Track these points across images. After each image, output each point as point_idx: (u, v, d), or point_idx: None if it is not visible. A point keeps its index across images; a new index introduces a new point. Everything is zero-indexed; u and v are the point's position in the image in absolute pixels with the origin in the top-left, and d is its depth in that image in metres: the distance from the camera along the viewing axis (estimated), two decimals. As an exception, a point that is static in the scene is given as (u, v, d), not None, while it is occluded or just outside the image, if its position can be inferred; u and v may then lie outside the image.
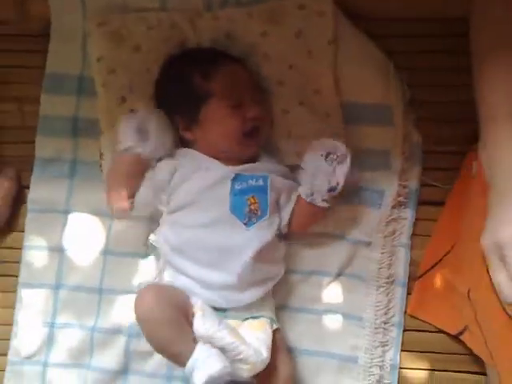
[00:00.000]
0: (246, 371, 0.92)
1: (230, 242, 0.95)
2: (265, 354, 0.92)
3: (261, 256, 0.95)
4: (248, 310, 0.97)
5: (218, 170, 0.97)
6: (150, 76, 1.03)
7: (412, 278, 1.04)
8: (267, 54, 1.03)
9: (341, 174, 0.94)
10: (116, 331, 1.07)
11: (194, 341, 0.89)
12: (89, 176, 1.09)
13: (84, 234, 1.10)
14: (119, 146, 0.98)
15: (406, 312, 1.04)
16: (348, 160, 0.93)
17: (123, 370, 1.07)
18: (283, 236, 1.02)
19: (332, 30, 1.01)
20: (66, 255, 1.10)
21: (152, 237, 1.02)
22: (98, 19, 1.04)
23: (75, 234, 1.10)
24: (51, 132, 1.10)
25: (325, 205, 0.96)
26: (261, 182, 0.97)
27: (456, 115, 1.03)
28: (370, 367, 1.02)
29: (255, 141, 0.99)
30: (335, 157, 0.94)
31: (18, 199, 1.12)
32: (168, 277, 0.99)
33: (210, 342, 0.89)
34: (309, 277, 1.05)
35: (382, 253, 1.03)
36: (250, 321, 0.97)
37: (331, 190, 0.95)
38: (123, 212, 1.00)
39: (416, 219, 1.04)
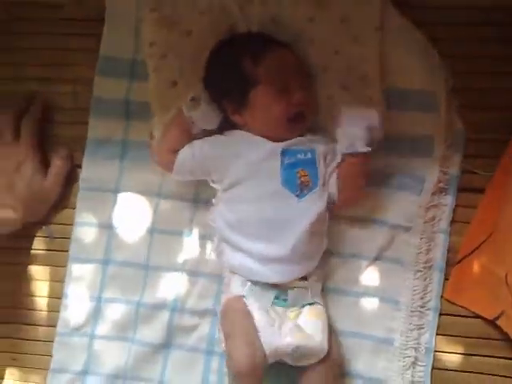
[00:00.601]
0: (309, 360, 0.97)
1: (283, 214, 0.98)
2: (325, 345, 0.96)
3: (313, 228, 0.98)
4: (307, 295, 1.00)
5: (267, 146, 1.00)
6: (200, 60, 1.05)
7: (450, 264, 1.05)
8: (313, 39, 1.05)
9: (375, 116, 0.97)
10: (160, 306, 1.11)
11: None
12: (139, 157, 1.13)
13: (132, 213, 1.13)
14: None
15: (442, 297, 1.05)
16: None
17: (165, 344, 1.10)
18: (329, 210, 1.03)
19: (379, 16, 1.02)
20: (115, 232, 1.13)
21: (209, 216, 1.05)
22: (151, 4, 1.07)
23: (124, 212, 1.14)
24: (103, 114, 1.14)
25: (367, 149, 0.97)
26: (309, 155, 1.00)
27: (499, 103, 1.04)
28: (406, 349, 1.04)
29: (300, 126, 1.01)
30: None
31: (71, 178, 1.16)
32: (226, 254, 1.02)
33: (278, 352, 0.94)
34: (347, 259, 1.07)
35: (421, 238, 1.04)
36: (308, 308, 1.00)
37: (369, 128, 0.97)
38: (164, 166, 1.06)
39: (456, 206, 1.05)
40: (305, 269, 1.00)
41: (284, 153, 0.99)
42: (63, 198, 1.16)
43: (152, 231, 1.13)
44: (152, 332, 1.11)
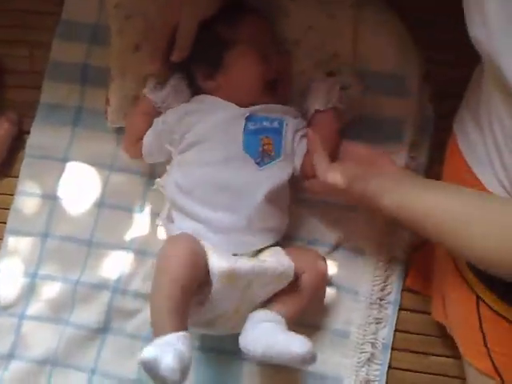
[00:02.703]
0: (279, 283, 0.87)
1: (241, 180, 0.89)
2: (286, 260, 0.87)
3: (272, 199, 0.90)
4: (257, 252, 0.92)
5: (233, 110, 0.93)
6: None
7: (413, 251, 0.98)
8: (288, 12, 1.00)
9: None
10: (101, 286, 1.00)
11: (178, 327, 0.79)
12: (93, 125, 1.04)
13: (80, 184, 1.04)
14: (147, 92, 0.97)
15: (403, 290, 0.98)
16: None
17: (103, 329, 0.99)
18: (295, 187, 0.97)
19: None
20: (59, 204, 1.03)
21: (158, 181, 0.96)
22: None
23: (71, 182, 1.04)
24: (59, 78, 1.05)
25: (341, 106, 0.92)
26: (276, 125, 0.93)
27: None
28: (362, 344, 0.95)
29: (274, 93, 0.95)
30: None
31: (17, 145, 1.06)
32: (177, 222, 0.93)
33: (231, 274, 0.83)
34: (306, 245, 0.99)
35: (384, 229, 0.97)
36: (261, 253, 0.92)
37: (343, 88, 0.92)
38: (134, 155, 0.99)
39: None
40: (261, 242, 0.91)
41: (249, 118, 0.92)
42: (6, 166, 1.06)
43: (100, 205, 1.03)
44: (89, 314, 1.00)
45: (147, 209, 1.02)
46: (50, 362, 0.99)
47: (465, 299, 0.82)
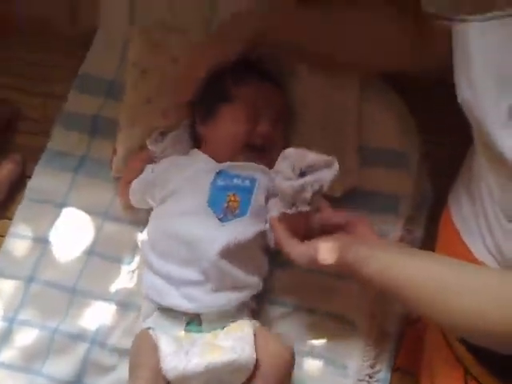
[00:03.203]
0: (237, 378, 0.81)
1: (200, 234, 0.87)
2: (247, 351, 0.81)
3: (233, 256, 0.86)
4: (224, 318, 0.87)
5: (208, 164, 0.93)
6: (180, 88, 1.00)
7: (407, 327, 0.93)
8: (300, 78, 1.02)
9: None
10: (79, 337, 0.95)
11: None
12: (95, 174, 1.05)
13: (73, 230, 1.02)
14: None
15: (393, 370, 0.92)
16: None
17: (75, 382, 0.93)
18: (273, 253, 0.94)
19: (365, 73, 1.02)
20: (49, 248, 1.01)
21: (140, 234, 0.95)
22: (142, 28, 1.06)
23: (64, 228, 1.03)
24: (70, 127, 1.08)
25: (309, 208, 0.84)
26: (247, 183, 0.91)
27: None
28: (349, 424, 0.89)
29: (255, 158, 0.94)
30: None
31: (18, 187, 1.06)
32: (144, 277, 0.91)
33: (183, 378, 0.80)
34: (293, 312, 0.95)
35: (376, 300, 0.93)
36: (228, 326, 0.86)
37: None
38: (124, 199, 0.99)
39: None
40: (226, 300, 0.87)
41: (220, 173, 0.91)
42: (4, 208, 1.06)
43: (89, 253, 1.01)
44: (63, 366, 0.94)
45: (136, 260, 1.00)
46: (16, 417, 0.92)
47: (453, 374, 0.78)
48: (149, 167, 0.97)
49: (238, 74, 0.96)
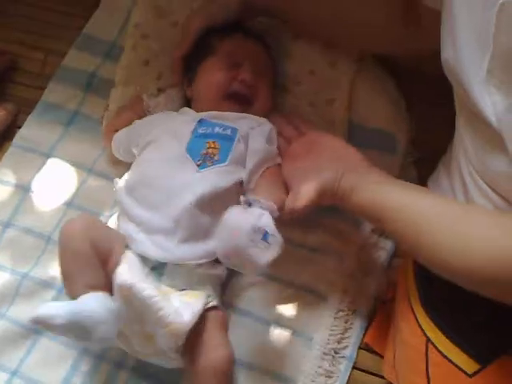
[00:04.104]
0: (166, 337, 0.79)
1: (176, 181, 0.85)
2: (186, 317, 0.78)
3: (207, 205, 0.84)
4: (188, 280, 0.85)
5: (190, 114, 0.93)
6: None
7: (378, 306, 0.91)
8: (292, 54, 1.03)
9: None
10: (47, 284, 0.94)
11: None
12: (85, 129, 1.05)
13: (56, 181, 1.02)
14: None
15: (360, 348, 0.90)
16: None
17: (38, 329, 0.90)
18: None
19: (359, 52, 1.02)
20: (29, 196, 1.01)
21: (116, 180, 0.93)
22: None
23: (47, 178, 1.02)
24: (65, 81, 1.08)
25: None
26: (228, 132, 0.89)
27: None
28: (307, 396, 0.86)
29: (242, 108, 0.93)
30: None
31: (7, 137, 1.06)
32: (119, 223, 0.89)
33: (129, 292, 0.78)
34: (265, 280, 0.93)
35: (350, 276, 0.92)
36: (186, 291, 0.84)
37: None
38: (106, 143, 0.98)
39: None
40: (191, 253, 0.84)
41: (201, 122, 0.90)
42: (-10, 153, 1.06)
43: (69, 205, 1.00)
44: (28, 310, 0.89)
45: (115, 216, 0.97)
46: (-28, 357, 0.91)
47: (415, 341, 0.77)
48: (135, 122, 0.96)
49: (225, 32, 0.96)
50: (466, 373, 0.73)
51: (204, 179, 0.85)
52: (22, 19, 1.15)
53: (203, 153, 0.87)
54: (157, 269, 0.84)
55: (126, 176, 0.91)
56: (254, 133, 0.90)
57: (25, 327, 0.92)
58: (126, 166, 0.98)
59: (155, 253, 0.84)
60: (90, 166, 1.02)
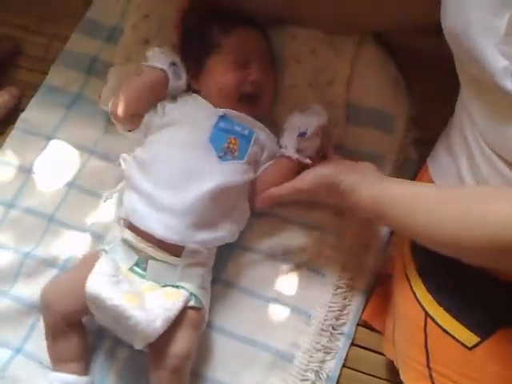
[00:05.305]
0: (135, 340, 0.80)
1: (198, 166, 0.87)
2: (158, 323, 0.79)
3: (221, 197, 0.86)
4: (170, 275, 0.85)
5: (206, 106, 0.93)
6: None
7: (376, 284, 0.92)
8: (295, 35, 1.02)
9: (311, 122, 0.90)
10: (49, 263, 0.95)
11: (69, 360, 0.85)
12: (86, 112, 1.05)
13: (58, 162, 1.02)
14: (150, 62, 0.94)
15: (358, 325, 0.90)
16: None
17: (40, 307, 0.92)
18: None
19: (360, 35, 1.02)
20: (32, 177, 1.01)
21: (124, 155, 0.93)
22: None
23: (49, 159, 1.03)
24: (68, 65, 1.08)
25: (294, 155, 0.90)
26: (246, 132, 0.92)
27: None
28: (305, 370, 0.86)
29: (249, 107, 0.94)
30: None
31: (10, 120, 1.06)
32: (124, 196, 0.89)
33: (99, 302, 0.79)
34: (266, 259, 0.94)
35: (349, 253, 0.92)
36: (169, 288, 0.84)
37: (301, 135, 0.90)
38: (116, 120, 0.95)
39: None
40: (191, 237, 0.85)
41: (222, 118, 0.91)
42: (-6, 137, 1.07)
43: (71, 186, 1.01)
44: (30, 289, 0.93)
45: (115, 197, 0.97)
46: (-24, 335, 0.92)
47: (414, 317, 0.77)
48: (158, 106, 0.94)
49: (225, 24, 0.96)
50: (465, 346, 0.72)
51: (223, 171, 0.88)
52: (26, 4, 1.16)
53: (225, 146, 0.89)
54: (140, 265, 0.85)
55: (137, 151, 0.91)
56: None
57: (28, 305, 0.93)
58: (127, 148, 0.99)
59: (162, 232, 0.84)
60: (91, 148, 1.03)
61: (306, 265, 0.93)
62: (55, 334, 0.85)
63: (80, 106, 1.06)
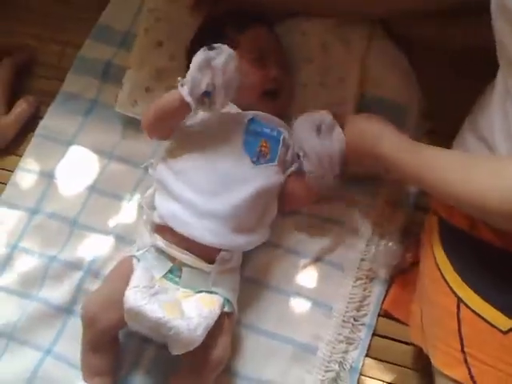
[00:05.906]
0: (175, 347, 0.81)
1: (235, 172, 0.88)
2: (199, 332, 0.80)
3: (258, 199, 0.89)
4: (204, 282, 0.86)
5: (237, 111, 0.94)
6: (191, 29, 1.03)
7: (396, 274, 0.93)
8: (305, 31, 1.04)
9: (337, 141, 0.89)
10: (74, 266, 0.97)
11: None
12: (104, 118, 1.07)
13: (78, 167, 1.05)
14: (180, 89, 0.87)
15: (379, 315, 0.92)
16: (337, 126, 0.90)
17: (68, 309, 0.95)
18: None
19: (370, 28, 1.03)
20: (54, 183, 1.04)
21: (152, 161, 0.95)
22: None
23: (70, 165, 1.05)
24: (83, 71, 1.10)
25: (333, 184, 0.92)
26: (275, 134, 0.93)
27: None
28: (329, 362, 0.88)
29: (271, 104, 0.95)
30: (325, 128, 0.90)
31: (30, 128, 1.09)
32: (158, 203, 0.90)
33: (138, 316, 0.80)
34: (286, 254, 0.95)
35: (368, 245, 0.94)
36: (203, 294, 0.86)
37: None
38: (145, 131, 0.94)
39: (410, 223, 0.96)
40: (233, 240, 0.87)
41: (252, 121, 0.92)
42: (15, 145, 1.09)
43: (92, 189, 1.03)
44: (57, 292, 0.96)
45: (135, 199, 1.01)
46: (7, 336, 0.94)
47: (445, 302, 0.77)
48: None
49: (239, 23, 0.97)
50: (500, 330, 0.72)
51: (259, 175, 0.90)
52: (38, 14, 1.18)
53: (258, 150, 0.91)
54: (174, 272, 0.87)
55: (170, 160, 0.91)
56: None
57: (54, 307, 0.95)
58: (145, 151, 1.02)
59: (209, 238, 0.86)
60: (110, 152, 1.05)
61: (325, 258, 0.95)
62: (95, 347, 0.86)
63: (97, 112, 1.08)
